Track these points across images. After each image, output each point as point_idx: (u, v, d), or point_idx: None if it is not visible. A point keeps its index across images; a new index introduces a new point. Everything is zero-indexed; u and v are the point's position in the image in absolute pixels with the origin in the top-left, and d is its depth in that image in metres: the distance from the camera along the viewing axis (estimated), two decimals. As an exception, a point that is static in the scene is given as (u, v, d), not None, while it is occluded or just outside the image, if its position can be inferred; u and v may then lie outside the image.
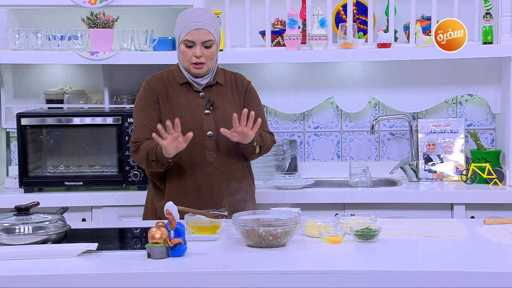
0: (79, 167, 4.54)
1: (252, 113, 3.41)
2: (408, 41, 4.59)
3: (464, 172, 4.55)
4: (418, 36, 4.49)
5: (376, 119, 4.72)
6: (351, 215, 3.28)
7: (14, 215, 3.11)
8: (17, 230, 3.02)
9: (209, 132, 3.57)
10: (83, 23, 4.49)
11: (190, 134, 3.37)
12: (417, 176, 4.63)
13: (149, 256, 2.84)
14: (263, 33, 4.65)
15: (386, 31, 4.55)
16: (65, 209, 3.31)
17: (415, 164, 4.66)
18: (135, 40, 4.53)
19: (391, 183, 4.64)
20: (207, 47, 3.55)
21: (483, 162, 4.49)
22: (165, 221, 2.89)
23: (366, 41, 4.59)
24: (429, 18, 4.59)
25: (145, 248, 2.86)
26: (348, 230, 3.10)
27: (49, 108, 4.71)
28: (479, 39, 4.51)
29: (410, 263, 2.80)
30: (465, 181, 4.52)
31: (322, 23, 4.48)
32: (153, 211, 3.67)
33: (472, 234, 3.17)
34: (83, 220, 4.34)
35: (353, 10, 4.58)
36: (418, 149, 4.68)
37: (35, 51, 4.52)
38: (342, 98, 4.82)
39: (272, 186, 4.45)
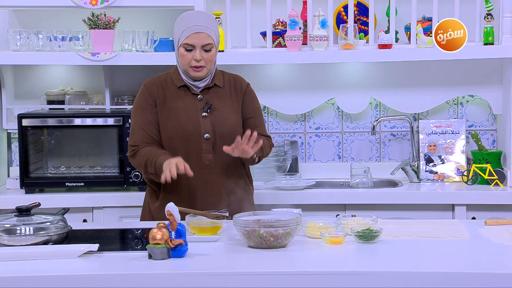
0: (80, 168, 4.54)
1: (255, 133, 3.41)
2: (409, 42, 4.59)
3: (465, 173, 4.55)
4: (419, 37, 4.49)
5: (377, 120, 4.72)
6: (352, 216, 3.28)
7: (15, 216, 3.11)
8: (18, 231, 3.02)
9: (206, 135, 3.56)
10: (84, 24, 4.49)
11: (190, 174, 3.37)
12: (418, 177, 4.63)
13: (150, 257, 2.84)
14: (264, 34, 4.65)
15: (387, 32, 4.55)
16: (66, 210, 3.31)
17: (416, 165, 4.66)
18: (136, 41, 4.53)
19: (392, 184, 4.63)
20: (206, 51, 3.54)
21: (484, 163, 4.49)
22: (166, 222, 2.89)
23: (367, 42, 4.59)
24: (430, 19, 4.59)
25: (146, 249, 2.86)
26: (349, 231, 3.10)
27: (50, 109, 4.71)
28: (480, 40, 4.51)
29: (411, 264, 2.80)
30: (466, 182, 4.52)
31: (323, 24, 4.48)
32: (150, 212, 3.67)
33: (473, 235, 3.17)
34: (84, 221, 4.34)
35: (354, 11, 4.58)
36: (419, 150, 4.67)
37: (36, 52, 4.52)
38: (343, 99, 4.82)
39: (273, 187, 4.45)
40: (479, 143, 4.60)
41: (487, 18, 4.45)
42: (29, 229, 3.03)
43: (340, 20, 4.71)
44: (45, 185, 4.44)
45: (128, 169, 4.38)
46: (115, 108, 4.67)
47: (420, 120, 4.74)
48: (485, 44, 4.47)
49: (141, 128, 3.57)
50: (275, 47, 4.61)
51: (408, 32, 4.63)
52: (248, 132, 3.41)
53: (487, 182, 4.46)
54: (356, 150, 4.91)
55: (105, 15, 4.47)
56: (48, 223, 3.08)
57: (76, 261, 2.86)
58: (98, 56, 4.45)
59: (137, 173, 4.35)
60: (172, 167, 3.34)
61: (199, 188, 3.50)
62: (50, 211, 3.26)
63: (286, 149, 4.66)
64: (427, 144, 4.66)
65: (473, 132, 4.64)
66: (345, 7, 4.66)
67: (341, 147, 4.92)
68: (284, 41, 4.56)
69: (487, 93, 4.73)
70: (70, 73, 4.88)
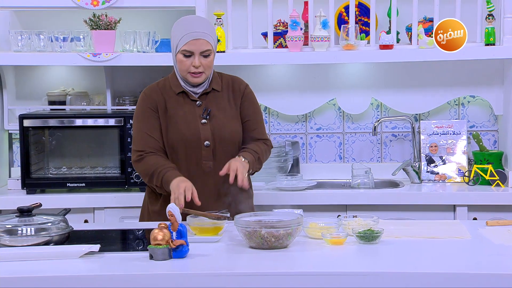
0: (81, 168, 4.54)
1: (232, 171, 3.40)
2: (411, 42, 4.58)
3: (466, 174, 4.55)
4: (421, 37, 4.49)
5: (378, 121, 4.72)
6: (353, 216, 3.27)
7: (16, 216, 3.11)
8: (19, 232, 3.03)
9: (206, 142, 3.55)
10: (85, 25, 4.49)
11: (198, 203, 3.36)
12: (419, 178, 4.63)
13: (151, 257, 2.85)
14: (265, 35, 4.65)
15: (388, 32, 4.55)
16: (67, 211, 3.31)
17: (417, 166, 4.65)
18: (137, 42, 4.54)
19: (393, 184, 4.63)
20: (205, 57, 3.53)
21: (486, 164, 4.49)
22: (167, 223, 2.89)
23: (368, 42, 4.59)
24: (431, 20, 4.58)
25: (147, 250, 2.86)
26: (350, 232, 3.10)
27: (51, 109, 4.71)
28: (481, 41, 4.50)
29: (412, 264, 2.81)
30: (467, 183, 4.51)
31: (324, 25, 4.48)
32: (149, 213, 3.66)
33: (474, 236, 3.17)
34: (85, 221, 4.34)
35: (355, 12, 4.58)
36: (420, 150, 4.67)
37: (38, 52, 4.52)
38: (344, 100, 4.82)
39: (274, 188, 4.45)
40: (481, 143, 4.60)
41: (489, 19, 4.45)
42: (31, 229, 3.03)
43: (341, 21, 4.71)
44: (46, 185, 4.45)
45: (129, 169, 4.38)
46: (116, 109, 4.67)
47: (421, 121, 4.74)
48: (486, 44, 4.47)
49: (145, 133, 3.56)
50: (276, 47, 4.61)
51: (409, 33, 4.63)
52: (222, 172, 3.42)
53: (488, 183, 4.46)
54: (357, 150, 4.91)
55: (106, 15, 4.48)
56: (50, 224, 3.08)
57: (77, 261, 2.86)
58: (99, 57, 4.45)
59: (138, 173, 4.34)
60: (180, 195, 3.32)
61: (199, 194, 3.47)
62: (51, 212, 3.26)
63: (287, 150, 4.66)
64: (428, 145, 4.66)
65: (474, 132, 4.64)
66: (346, 8, 4.66)
67: (342, 148, 4.92)
68: (285, 42, 4.56)
69: (489, 94, 4.73)
70: (71, 73, 4.88)
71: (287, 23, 4.61)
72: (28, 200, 3.98)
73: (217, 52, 4.31)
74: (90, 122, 4.44)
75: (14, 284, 2.68)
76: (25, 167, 4.41)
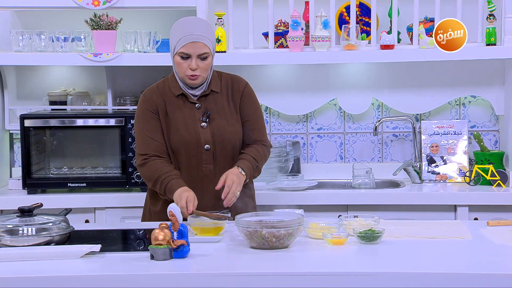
0: (82, 168, 4.54)
1: (227, 187, 3.41)
2: (411, 42, 4.58)
3: (467, 174, 4.55)
4: (421, 37, 4.49)
5: (379, 121, 4.72)
6: (354, 216, 3.27)
7: (17, 216, 3.11)
8: (20, 232, 3.03)
9: (206, 146, 3.55)
10: (86, 25, 4.50)
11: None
12: (420, 178, 4.63)
13: (152, 257, 2.85)
14: (266, 35, 4.65)
15: (389, 32, 4.54)
16: (68, 211, 3.32)
17: (418, 166, 4.65)
18: (138, 42, 4.54)
19: (394, 184, 4.63)
20: (202, 59, 3.52)
21: (487, 164, 4.49)
22: (168, 223, 2.89)
23: (369, 42, 4.59)
24: (432, 20, 4.58)
25: (148, 250, 2.86)
26: (351, 232, 3.10)
27: (52, 109, 4.71)
28: (482, 41, 4.50)
29: (413, 264, 2.80)
30: (468, 183, 4.51)
31: (325, 25, 4.48)
32: (150, 214, 3.66)
33: (475, 236, 3.17)
34: (86, 221, 4.34)
35: (356, 12, 4.58)
36: (421, 150, 4.67)
37: (38, 52, 4.53)
38: (345, 100, 4.82)
39: (275, 188, 4.45)
40: (481, 143, 4.59)
41: (490, 19, 4.45)
42: (31, 229, 3.03)
43: (342, 21, 4.71)
44: (47, 185, 4.45)
45: (130, 169, 4.38)
46: (117, 109, 4.67)
47: (422, 121, 4.74)
48: (487, 44, 4.47)
49: (148, 136, 3.55)
50: (277, 47, 4.61)
51: (410, 33, 4.62)
52: (217, 187, 3.43)
53: (489, 183, 4.46)
54: (358, 150, 4.91)
55: (107, 15, 4.48)
56: (50, 224, 3.08)
57: (78, 261, 2.86)
58: (100, 57, 4.45)
59: (139, 173, 4.34)
60: (183, 208, 3.29)
61: (200, 197, 3.46)
62: (52, 212, 3.26)
63: (288, 150, 4.66)
64: (429, 145, 4.66)
65: (475, 132, 4.63)
66: (347, 8, 4.66)
67: (343, 148, 4.92)
68: (286, 42, 4.56)
69: (489, 94, 4.73)
70: (72, 73, 4.88)
71: (288, 23, 4.61)
72: (29, 200, 3.98)
73: (218, 52, 4.33)
74: (91, 122, 4.44)
75: (15, 284, 2.68)
76: (26, 167, 4.41)
